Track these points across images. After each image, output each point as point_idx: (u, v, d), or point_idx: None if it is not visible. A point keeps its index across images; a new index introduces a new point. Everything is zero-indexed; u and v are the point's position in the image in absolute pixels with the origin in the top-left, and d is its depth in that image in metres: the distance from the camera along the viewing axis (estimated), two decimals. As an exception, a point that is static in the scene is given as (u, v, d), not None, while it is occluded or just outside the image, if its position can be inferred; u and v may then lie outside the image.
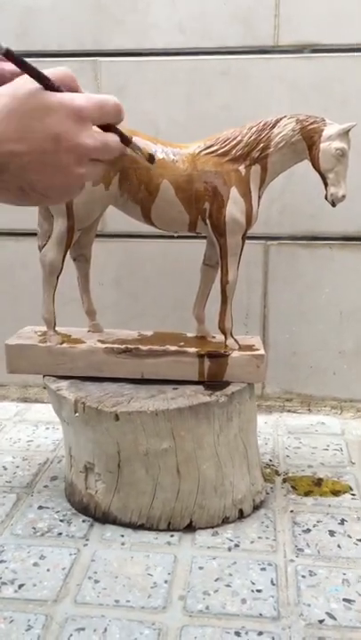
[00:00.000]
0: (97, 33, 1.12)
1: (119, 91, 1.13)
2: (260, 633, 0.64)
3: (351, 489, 0.93)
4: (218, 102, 1.11)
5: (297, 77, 1.08)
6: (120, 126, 0.79)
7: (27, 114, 0.49)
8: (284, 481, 0.95)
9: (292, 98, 1.08)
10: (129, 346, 0.86)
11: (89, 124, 0.51)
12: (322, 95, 1.08)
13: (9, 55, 0.49)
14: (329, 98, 1.08)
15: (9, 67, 0.63)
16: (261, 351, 0.86)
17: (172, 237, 1.12)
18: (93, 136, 0.50)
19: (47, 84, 0.50)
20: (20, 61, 0.49)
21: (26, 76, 0.51)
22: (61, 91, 0.51)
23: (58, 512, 0.87)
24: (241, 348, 0.87)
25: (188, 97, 1.11)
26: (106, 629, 0.65)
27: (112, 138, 0.53)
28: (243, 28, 1.08)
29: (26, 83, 0.50)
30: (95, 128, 0.52)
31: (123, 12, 1.10)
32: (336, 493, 0.91)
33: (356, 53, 1.06)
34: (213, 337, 0.92)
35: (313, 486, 0.93)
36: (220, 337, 0.89)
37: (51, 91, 0.50)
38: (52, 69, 0.52)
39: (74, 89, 0.52)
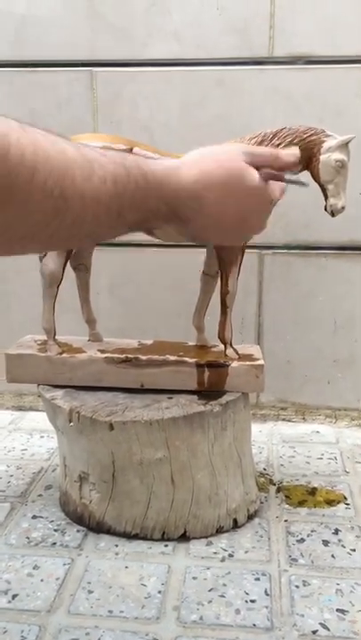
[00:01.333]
0: (92, 43, 1.12)
1: (114, 100, 1.14)
2: (254, 644, 0.64)
3: (345, 498, 0.93)
4: (213, 112, 1.11)
5: (291, 88, 1.09)
6: (117, 137, 0.80)
7: (230, 192, 0.56)
8: (279, 490, 0.95)
9: (287, 108, 1.09)
10: (129, 355, 0.86)
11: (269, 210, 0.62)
12: (316, 106, 1.08)
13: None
14: (323, 109, 1.08)
15: None
16: (261, 361, 0.86)
17: (168, 246, 1.12)
18: (266, 217, 0.62)
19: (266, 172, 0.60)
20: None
21: (236, 147, 0.60)
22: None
23: (52, 522, 0.87)
24: (240, 357, 0.87)
25: (183, 106, 1.12)
26: (99, 640, 0.65)
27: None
28: (238, 39, 1.09)
29: (238, 155, 0.58)
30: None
31: (118, 21, 1.11)
32: (330, 503, 0.92)
33: (350, 65, 1.07)
34: (213, 346, 0.92)
35: (307, 495, 0.94)
36: (220, 346, 0.90)
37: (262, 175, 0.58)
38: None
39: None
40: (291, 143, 0.82)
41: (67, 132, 0.83)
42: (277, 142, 0.82)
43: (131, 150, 0.82)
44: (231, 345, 0.88)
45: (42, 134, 0.43)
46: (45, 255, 0.84)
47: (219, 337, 0.89)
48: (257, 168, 0.58)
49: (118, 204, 0.48)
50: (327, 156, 0.81)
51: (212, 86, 1.11)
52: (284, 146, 0.82)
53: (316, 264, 1.16)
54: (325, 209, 0.84)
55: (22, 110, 1.16)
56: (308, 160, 0.82)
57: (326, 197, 0.83)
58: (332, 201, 0.83)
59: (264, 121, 1.08)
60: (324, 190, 0.83)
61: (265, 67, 1.09)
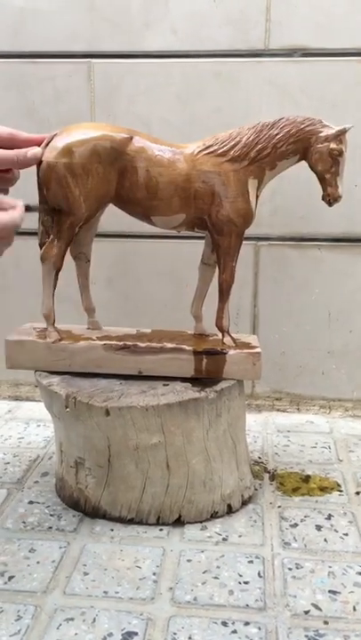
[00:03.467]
0: (90, 34, 1.13)
1: (112, 92, 1.15)
2: (247, 623, 0.65)
3: (339, 485, 0.94)
4: (210, 104, 1.12)
5: (287, 81, 1.10)
6: (117, 127, 0.82)
7: None
8: (273, 477, 0.96)
9: (283, 101, 1.10)
10: (127, 342, 0.87)
11: None
12: (312, 99, 1.09)
13: None
14: (319, 101, 1.09)
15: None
16: (258, 349, 0.87)
17: (165, 237, 1.13)
18: None
19: None
20: None
21: None
22: None
23: (48, 507, 0.88)
24: (238, 345, 0.88)
25: (180, 99, 1.13)
26: (95, 619, 0.66)
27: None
28: (234, 32, 1.10)
29: None
30: None
31: (116, 13, 1.12)
32: (324, 490, 0.93)
33: (346, 57, 1.08)
34: (211, 335, 0.93)
35: (301, 483, 0.95)
36: (217, 335, 0.90)
37: None
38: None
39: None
40: (288, 133, 0.83)
41: (64, 124, 0.85)
42: (275, 132, 0.83)
43: (130, 139, 0.83)
44: (228, 333, 0.89)
45: None
46: (46, 242, 0.85)
47: (216, 325, 0.90)
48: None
49: None
50: (325, 146, 0.82)
51: (208, 78, 1.12)
52: (282, 135, 0.83)
53: (312, 255, 1.17)
54: (323, 199, 0.85)
55: (20, 102, 1.17)
56: (306, 150, 0.83)
57: (324, 187, 0.84)
58: (329, 190, 0.84)
59: (261, 113, 1.10)
60: (321, 180, 0.84)
61: (261, 59, 1.10)
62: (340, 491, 0.92)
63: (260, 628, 0.65)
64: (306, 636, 0.64)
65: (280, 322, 1.20)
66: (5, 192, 0.82)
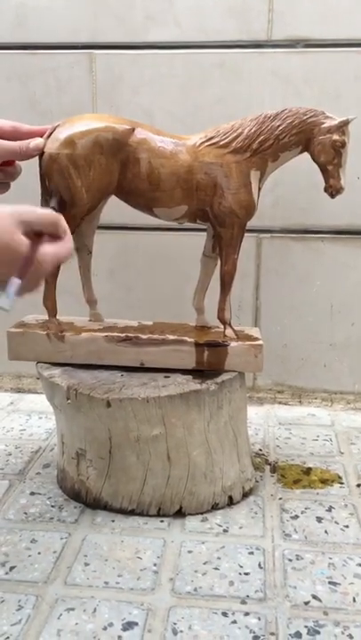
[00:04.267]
0: (93, 25, 1.12)
1: (114, 83, 1.14)
2: (247, 613, 0.66)
3: (340, 477, 0.94)
4: (212, 95, 1.12)
5: (290, 72, 1.09)
6: (119, 118, 0.82)
7: None
8: (274, 470, 0.96)
9: (286, 92, 1.09)
10: (129, 334, 0.87)
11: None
12: (315, 90, 1.09)
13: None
14: (322, 92, 1.09)
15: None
16: (260, 341, 0.87)
17: (166, 230, 1.13)
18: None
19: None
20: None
21: (11, 216, 0.61)
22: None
23: (50, 498, 0.88)
24: (239, 337, 0.88)
25: (183, 90, 1.12)
26: (95, 609, 0.66)
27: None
28: (237, 23, 1.09)
29: (10, 225, 0.60)
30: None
31: (119, 4, 1.11)
32: (325, 482, 0.93)
33: (349, 48, 1.07)
34: (213, 327, 0.93)
35: (302, 475, 0.95)
36: (219, 327, 0.90)
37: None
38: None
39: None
40: (291, 124, 0.82)
41: (66, 115, 0.84)
42: (278, 123, 0.83)
43: (133, 131, 0.83)
44: (230, 325, 0.89)
45: None
46: None
47: (218, 317, 0.89)
48: (39, 235, 0.62)
49: None
50: (327, 137, 0.81)
51: (211, 70, 1.11)
52: (285, 127, 0.82)
53: (314, 248, 1.16)
54: (325, 190, 0.85)
55: (22, 93, 1.16)
56: (308, 141, 0.83)
57: (326, 179, 0.84)
58: (331, 182, 0.84)
59: (263, 104, 1.09)
60: (323, 171, 0.84)
61: (264, 50, 1.09)
62: (341, 483, 0.92)
63: (259, 619, 0.65)
64: (305, 626, 0.64)
65: (282, 314, 1.20)
66: (7, 186, 0.82)
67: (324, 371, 1.22)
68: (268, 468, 0.97)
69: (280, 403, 1.23)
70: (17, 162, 0.81)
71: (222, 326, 0.90)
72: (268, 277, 1.19)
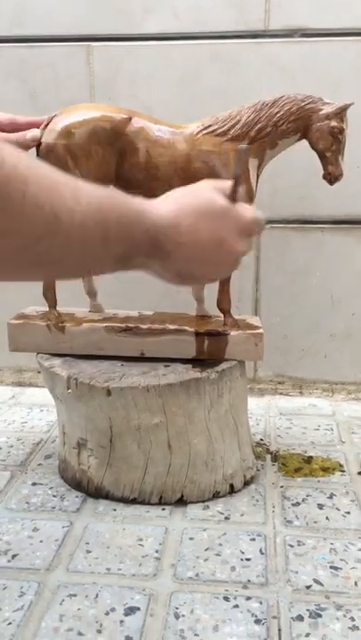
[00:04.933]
0: (90, 18, 1.12)
1: (111, 75, 1.14)
2: (249, 598, 0.66)
3: (341, 466, 0.94)
4: (210, 86, 1.12)
5: (287, 61, 1.09)
6: (116, 108, 0.82)
7: (204, 216, 0.57)
8: (275, 458, 0.96)
9: (283, 81, 1.09)
10: (129, 324, 0.87)
11: (246, 235, 0.60)
12: (312, 79, 1.09)
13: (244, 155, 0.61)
14: (319, 82, 1.09)
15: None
16: (260, 330, 0.87)
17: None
18: (248, 244, 0.60)
19: (232, 195, 0.59)
20: (238, 174, 0.60)
21: (207, 182, 0.61)
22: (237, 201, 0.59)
23: (51, 488, 0.88)
24: (240, 326, 0.88)
25: (181, 81, 1.13)
26: (97, 595, 0.66)
27: (252, 244, 0.63)
28: (234, 13, 1.09)
29: (208, 187, 0.59)
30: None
31: (115, -3, 1.11)
32: (326, 470, 0.93)
33: (346, 37, 1.07)
34: (214, 317, 0.93)
35: (303, 463, 0.95)
36: (220, 317, 0.90)
37: (230, 200, 0.58)
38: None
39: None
40: (289, 111, 0.82)
41: (64, 107, 0.84)
42: (276, 110, 0.83)
43: (130, 120, 0.83)
44: (230, 314, 0.89)
45: (31, 158, 0.44)
46: None
47: (218, 306, 0.90)
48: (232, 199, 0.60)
49: (103, 230, 0.48)
50: (325, 124, 0.81)
51: (209, 60, 1.11)
52: (282, 114, 0.82)
53: (314, 238, 1.16)
54: (324, 177, 0.85)
55: (20, 86, 1.16)
56: (307, 128, 0.83)
57: (324, 166, 0.84)
58: (330, 169, 0.84)
59: (261, 94, 1.08)
60: (321, 158, 0.84)
61: (261, 40, 1.09)
62: (343, 471, 0.92)
63: (261, 603, 0.65)
64: (307, 609, 0.64)
65: (282, 305, 1.20)
66: None
67: (324, 361, 1.22)
68: (269, 457, 0.97)
69: (281, 394, 1.23)
70: None
71: (222, 316, 0.90)
72: (267, 268, 1.19)
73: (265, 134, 0.83)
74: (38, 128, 0.81)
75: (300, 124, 0.83)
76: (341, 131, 0.81)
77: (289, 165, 1.09)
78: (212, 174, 0.83)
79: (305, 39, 1.08)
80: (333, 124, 0.81)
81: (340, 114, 0.81)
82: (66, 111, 0.83)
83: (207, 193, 0.58)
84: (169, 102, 1.13)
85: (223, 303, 0.89)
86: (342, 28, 1.07)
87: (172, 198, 0.58)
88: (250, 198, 0.63)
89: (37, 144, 0.81)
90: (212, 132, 0.84)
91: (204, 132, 0.84)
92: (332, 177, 0.84)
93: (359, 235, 1.16)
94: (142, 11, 1.11)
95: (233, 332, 0.86)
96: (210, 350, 0.86)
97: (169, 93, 1.13)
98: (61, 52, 1.14)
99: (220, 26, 1.10)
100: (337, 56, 1.08)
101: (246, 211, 0.60)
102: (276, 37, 1.09)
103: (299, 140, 0.85)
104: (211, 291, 0.91)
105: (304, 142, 0.84)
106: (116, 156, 0.82)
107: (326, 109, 0.81)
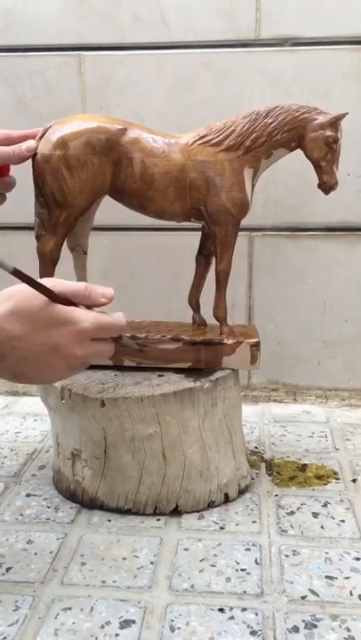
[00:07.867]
0: (81, 27, 1.13)
1: (103, 85, 1.14)
2: (244, 609, 0.66)
3: (335, 473, 0.94)
4: (201, 95, 1.12)
5: (278, 70, 1.10)
6: (111, 118, 0.82)
7: (35, 321, 0.58)
8: (270, 467, 0.96)
9: (275, 91, 1.10)
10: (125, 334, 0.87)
11: (86, 340, 0.60)
12: (303, 88, 1.09)
13: (16, 274, 0.58)
14: (310, 90, 1.09)
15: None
16: (256, 338, 0.87)
17: (158, 230, 1.13)
18: (87, 348, 0.60)
19: (51, 296, 0.59)
20: (27, 279, 0.58)
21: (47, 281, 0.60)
22: (69, 303, 0.60)
23: (45, 499, 0.88)
24: (236, 335, 0.88)
25: (171, 90, 1.13)
26: (92, 608, 0.66)
27: (103, 347, 0.63)
28: (225, 22, 1.09)
29: (33, 294, 0.59)
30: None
31: (106, 5, 1.11)
32: (320, 478, 0.93)
33: (337, 46, 1.08)
34: (210, 325, 0.93)
35: (298, 471, 0.95)
36: (216, 325, 0.90)
37: (56, 302, 0.59)
38: (72, 283, 0.62)
39: (87, 300, 0.63)
40: (283, 121, 0.83)
41: (56, 117, 0.84)
42: (270, 120, 0.83)
43: (125, 130, 0.83)
44: (226, 323, 0.89)
45: None
46: (42, 235, 0.85)
47: (214, 315, 0.90)
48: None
49: None
50: (320, 133, 0.82)
51: (200, 69, 1.12)
52: (277, 124, 0.83)
53: (306, 245, 1.17)
54: (319, 187, 0.85)
55: (11, 95, 1.16)
56: (301, 138, 0.83)
57: (319, 175, 0.84)
58: (325, 178, 0.84)
59: (252, 103, 1.09)
60: (316, 168, 0.84)
61: (252, 49, 1.10)
62: (337, 479, 0.93)
63: (257, 614, 0.65)
64: (303, 620, 0.64)
65: (275, 312, 1.20)
66: (3, 197, 0.83)
67: (318, 368, 1.22)
68: (263, 465, 0.97)
69: (275, 401, 1.23)
70: (11, 174, 0.81)
71: (219, 324, 0.90)
72: (260, 276, 1.19)
73: (260, 144, 0.83)
74: (33, 139, 0.81)
75: (294, 133, 0.83)
76: (336, 140, 0.82)
77: (282, 175, 1.10)
78: (208, 184, 0.83)
79: (296, 48, 1.09)
80: (328, 133, 0.82)
81: (335, 123, 0.82)
82: (61, 122, 0.83)
83: (38, 296, 0.59)
84: (160, 111, 1.13)
85: (219, 312, 0.89)
86: (333, 36, 1.08)
87: (6, 302, 0.59)
88: (108, 300, 0.65)
89: (33, 155, 0.81)
90: (207, 141, 0.84)
91: (199, 141, 0.84)
92: (327, 186, 0.84)
93: (351, 241, 1.16)
94: (133, 20, 1.11)
95: (229, 341, 0.86)
96: (206, 359, 0.86)
97: (160, 103, 1.13)
98: (53, 62, 1.14)
99: (210, 35, 1.10)
100: (328, 65, 1.09)
101: (85, 315, 0.60)
102: (267, 46, 1.09)
103: (293, 149, 0.85)
104: (207, 299, 0.91)
105: (296, 151, 0.85)
106: (111, 166, 0.82)
107: (321, 119, 0.82)
